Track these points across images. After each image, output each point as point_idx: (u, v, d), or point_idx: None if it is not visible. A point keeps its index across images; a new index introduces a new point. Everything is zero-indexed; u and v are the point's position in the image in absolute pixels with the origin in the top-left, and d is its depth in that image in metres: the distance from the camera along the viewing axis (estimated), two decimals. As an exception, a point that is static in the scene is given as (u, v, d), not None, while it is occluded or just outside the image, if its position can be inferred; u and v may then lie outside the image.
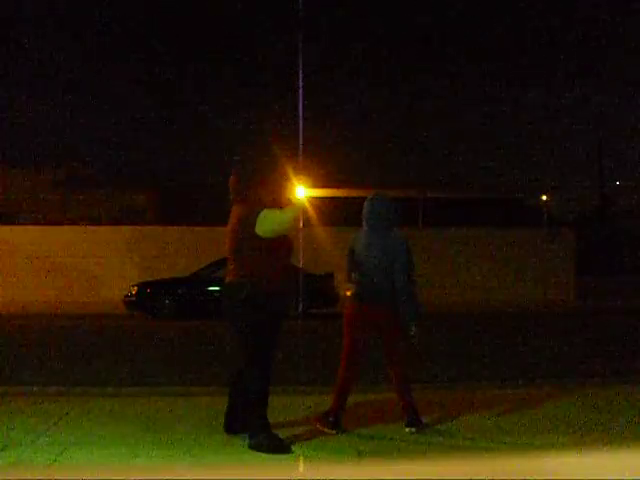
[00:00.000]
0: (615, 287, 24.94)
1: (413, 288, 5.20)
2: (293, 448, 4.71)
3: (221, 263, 13.84)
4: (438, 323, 13.40)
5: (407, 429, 5.14)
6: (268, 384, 4.84)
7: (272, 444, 4.65)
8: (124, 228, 21.57)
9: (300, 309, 14.73)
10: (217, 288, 14.42)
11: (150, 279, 16.81)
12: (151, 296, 15.39)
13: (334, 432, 5.09)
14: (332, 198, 24.00)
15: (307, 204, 5.05)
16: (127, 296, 15.61)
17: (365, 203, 5.32)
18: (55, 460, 4.46)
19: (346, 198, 22.96)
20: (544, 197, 24.14)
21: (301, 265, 14.28)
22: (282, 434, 4.84)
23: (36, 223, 25.62)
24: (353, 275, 5.28)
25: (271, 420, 4.81)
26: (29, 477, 4.23)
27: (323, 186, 22.34)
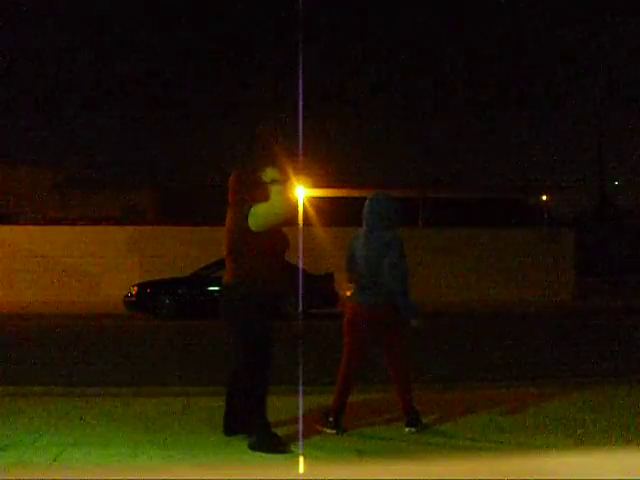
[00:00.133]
0: (615, 287, 24.95)
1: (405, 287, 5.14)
2: (293, 448, 4.71)
3: (221, 263, 13.73)
4: (438, 323, 13.40)
5: (407, 429, 5.14)
6: (267, 384, 4.84)
7: (271, 443, 4.65)
8: (124, 228, 21.57)
9: (300, 309, 14.73)
10: (217, 288, 14.38)
11: (150, 279, 16.81)
12: (151, 296, 15.39)
13: (334, 432, 5.09)
14: (332, 198, 24.02)
15: (292, 182, 4.95)
16: (127, 296, 15.61)
17: (366, 202, 5.31)
18: (55, 460, 4.46)
19: (346, 198, 22.96)
20: (544, 197, 24.13)
21: (301, 265, 14.27)
22: (282, 434, 4.84)
23: (36, 223, 25.61)
24: (353, 275, 5.27)
25: (271, 420, 4.82)
26: (29, 477, 4.23)
27: (323, 186, 22.33)
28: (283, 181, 4.83)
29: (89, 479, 4.21)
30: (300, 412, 5.51)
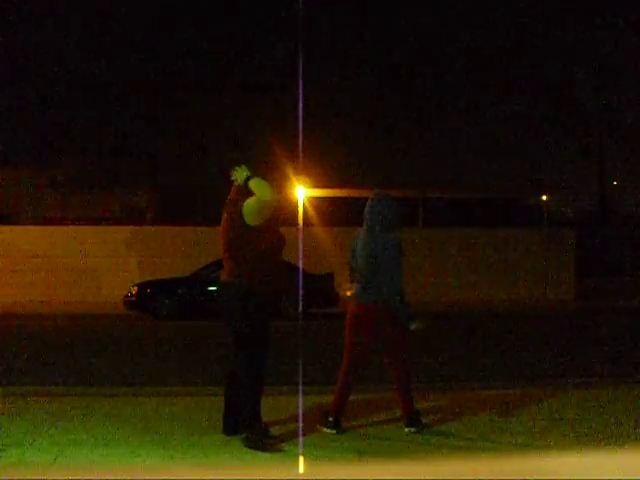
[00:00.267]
0: (615, 287, 24.92)
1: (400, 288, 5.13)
2: (288, 447, 4.71)
3: (220, 263, 13.79)
4: (438, 323, 13.39)
5: (407, 429, 5.14)
6: (262, 383, 4.86)
7: (260, 441, 4.66)
8: (124, 228, 21.56)
9: (300, 309, 14.73)
10: (217, 288, 14.40)
11: (150, 279, 16.81)
12: (151, 296, 15.39)
13: (334, 432, 5.09)
14: (332, 198, 24.01)
15: (263, 171, 5.13)
16: (127, 296, 15.61)
17: (367, 202, 5.32)
18: (55, 460, 4.46)
19: (346, 198, 22.95)
20: (544, 197, 24.11)
21: (301, 265, 14.27)
22: (282, 434, 4.84)
23: (36, 223, 25.60)
24: (355, 274, 5.27)
25: (271, 420, 4.82)
26: (29, 477, 4.23)
27: (323, 186, 22.34)
28: (254, 173, 4.96)
29: (89, 479, 4.21)
30: (300, 412, 5.51)
